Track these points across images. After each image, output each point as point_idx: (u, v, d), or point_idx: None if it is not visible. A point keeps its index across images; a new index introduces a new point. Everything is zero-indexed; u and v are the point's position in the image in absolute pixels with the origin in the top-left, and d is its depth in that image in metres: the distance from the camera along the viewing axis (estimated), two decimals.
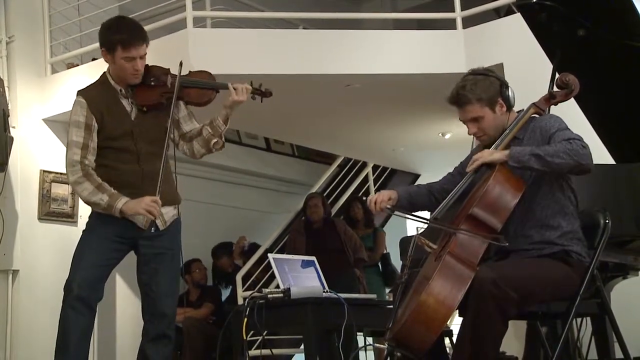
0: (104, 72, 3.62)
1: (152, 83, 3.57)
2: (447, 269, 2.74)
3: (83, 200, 3.57)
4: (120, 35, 3.49)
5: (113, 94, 3.59)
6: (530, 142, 2.99)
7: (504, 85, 3.04)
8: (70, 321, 3.44)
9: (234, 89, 3.57)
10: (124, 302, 6.19)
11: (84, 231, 3.62)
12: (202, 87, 3.60)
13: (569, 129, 2.95)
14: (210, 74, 3.67)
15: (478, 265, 2.79)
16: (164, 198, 3.57)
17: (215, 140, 3.61)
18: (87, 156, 3.52)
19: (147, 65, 3.59)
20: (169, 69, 3.62)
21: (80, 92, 3.60)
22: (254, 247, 7.65)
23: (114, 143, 3.56)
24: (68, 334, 3.44)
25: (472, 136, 3.15)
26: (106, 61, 3.58)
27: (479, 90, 3.01)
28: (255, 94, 3.66)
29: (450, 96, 3.07)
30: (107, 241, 3.54)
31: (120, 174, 3.55)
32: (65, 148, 6.20)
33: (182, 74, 3.60)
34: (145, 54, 3.54)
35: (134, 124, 3.57)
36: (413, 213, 3.14)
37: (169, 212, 3.62)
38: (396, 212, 3.17)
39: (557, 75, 3.24)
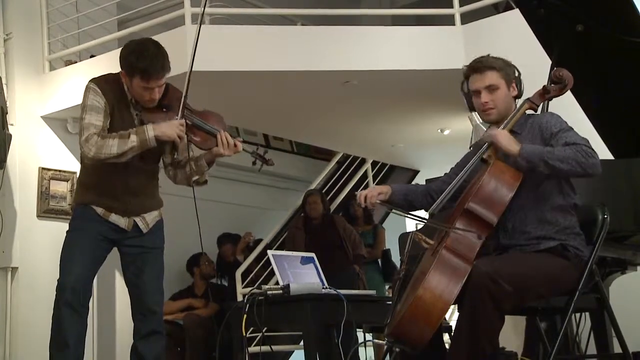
0: (120, 74, 3.48)
1: (164, 110, 3.50)
2: (443, 263, 2.74)
3: (117, 156, 3.38)
4: (141, 64, 3.36)
5: (125, 98, 3.52)
6: (529, 137, 2.99)
7: (520, 74, 3.09)
8: (67, 320, 3.44)
9: (221, 141, 3.48)
10: (124, 301, 6.15)
11: (68, 231, 3.60)
12: (208, 132, 3.51)
13: (573, 129, 2.94)
14: (219, 117, 3.58)
15: (475, 260, 2.79)
16: (149, 208, 3.62)
17: (196, 177, 3.59)
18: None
19: (166, 84, 3.49)
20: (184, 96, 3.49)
21: (94, 81, 3.50)
22: (257, 242, 7.66)
23: None
24: (65, 332, 3.43)
25: (470, 130, 3.15)
26: (123, 79, 3.47)
27: (501, 62, 3.07)
28: (258, 160, 3.60)
29: (473, 61, 3.09)
30: (95, 240, 3.53)
31: (102, 183, 3.53)
32: (64, 146, 6.18)
33: (194, 109, 3.54)
34: (165, 82, 3.45)
35: None
36: (410, 212, 3.14)
37: (151, 214, 3.64)
38: (393, 209, 3.16)
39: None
